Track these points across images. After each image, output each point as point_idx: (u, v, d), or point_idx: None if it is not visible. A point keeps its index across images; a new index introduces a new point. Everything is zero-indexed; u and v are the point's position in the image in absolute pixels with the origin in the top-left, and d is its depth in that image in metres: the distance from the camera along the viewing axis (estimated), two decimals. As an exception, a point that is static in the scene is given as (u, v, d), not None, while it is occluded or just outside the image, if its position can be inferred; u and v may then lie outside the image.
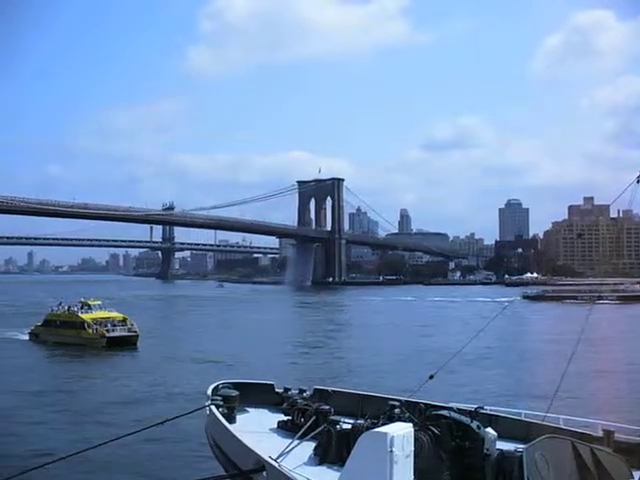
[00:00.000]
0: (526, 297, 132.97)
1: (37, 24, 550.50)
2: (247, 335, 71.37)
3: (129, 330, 61.31)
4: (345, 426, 12.73)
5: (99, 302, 67.47)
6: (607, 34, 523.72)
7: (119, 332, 60.65)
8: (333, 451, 12.25)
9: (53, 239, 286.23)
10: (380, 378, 40.46)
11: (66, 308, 66.25)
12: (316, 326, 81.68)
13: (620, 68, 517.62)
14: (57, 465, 16.78)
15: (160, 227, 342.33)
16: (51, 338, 62.38)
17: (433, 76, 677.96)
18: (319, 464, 12.15)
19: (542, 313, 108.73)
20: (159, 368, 47.68)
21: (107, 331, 59.95)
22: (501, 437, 11.92)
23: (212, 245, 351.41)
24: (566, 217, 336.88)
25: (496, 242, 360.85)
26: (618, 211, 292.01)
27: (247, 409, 15.81)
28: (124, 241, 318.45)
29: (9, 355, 54.41)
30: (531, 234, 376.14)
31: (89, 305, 65.60)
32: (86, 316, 62.64)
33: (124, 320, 62.75)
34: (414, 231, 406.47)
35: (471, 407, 13.16)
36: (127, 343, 59.35)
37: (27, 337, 66.21)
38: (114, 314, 64.39)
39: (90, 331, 60.69)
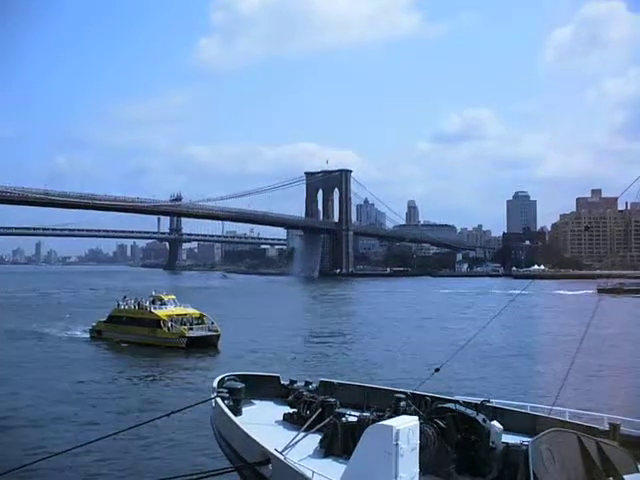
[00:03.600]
0: (601, 290, 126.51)
1: (46, 14, 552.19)
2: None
3: (209, 329, 54.26)
4: (351, 419, 12.76)
5: (173, 296, 60.22)
6: (618, 25, 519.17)
7: (200, 331, 53.71)
8: (339, 444, 12.28)
9: (61, 230, 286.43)
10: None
11: (131, 302, 59.80)
12: (344, 323, 77.53)
13: (631, 59, 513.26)
14: (57, 459, 16.98)
15: (168, 218, 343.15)
16: (117, 336, 55.66)
17: (443, 69, 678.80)
18: (325, 456, 12.18)
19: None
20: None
21: (186, 330, 53.11)
22: (507, 430, 11.93)
23: (219, 236, 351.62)
24: (574, 209, 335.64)
25: (504, 234, 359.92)
26: (626, 203, 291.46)
27: (253, 401, 15.85)
28: (132, 232, 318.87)
29: (74, 357, 47.48)
30: (539, 226, 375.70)
31: (162, 300, 58.43)
32: (161, 312, 55.44)
33: (201, 317, 56.02)
34: (421, 223, 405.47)
35: (477, 400, 13.17)
36: (208, 344, 51.93)
37: (87, 335, 59.29)
38: (190, 310, 57.30)
39: (166, 330, 53.60)
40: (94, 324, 59.74)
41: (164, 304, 57.59)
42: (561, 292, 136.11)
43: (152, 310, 56.23)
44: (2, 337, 58.27)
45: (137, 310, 57.77)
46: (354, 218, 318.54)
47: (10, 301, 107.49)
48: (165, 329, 53.64)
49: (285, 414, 14.67)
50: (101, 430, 22.59)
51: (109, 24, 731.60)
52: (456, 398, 13.15)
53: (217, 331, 53.40)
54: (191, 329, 53.55)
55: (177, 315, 55.30)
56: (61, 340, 57.46)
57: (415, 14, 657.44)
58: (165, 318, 54.24)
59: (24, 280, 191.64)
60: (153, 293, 60.26)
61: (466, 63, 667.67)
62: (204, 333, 53.42)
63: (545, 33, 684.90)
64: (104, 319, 59.27)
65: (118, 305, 60.06)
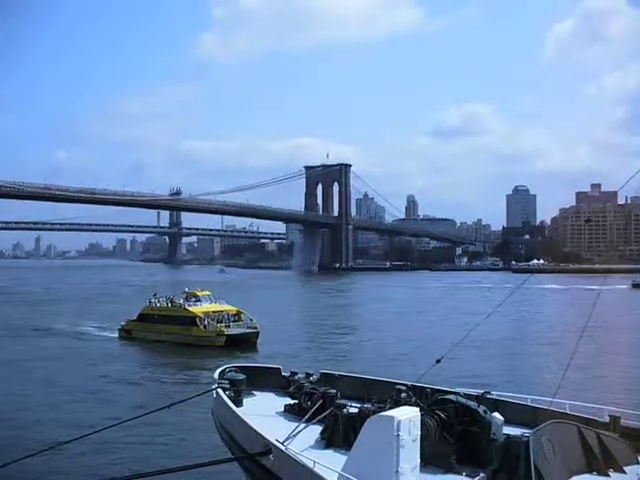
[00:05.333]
0: (636, 285, 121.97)
1: (47, 9, 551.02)
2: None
3: (248, 326, 51.56)
4: (352, 410, 12.76)
5: (208, 292, 57.12)
6: (619, 20, 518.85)
7: (239, 329, 51.17)
8: (340, 435, 12.30)
9: (60, 224, 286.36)
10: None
11: (163, 299, 56.92)
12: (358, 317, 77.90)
13: (631, 54, 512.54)
14: (57, 452, 17.04)
15: (167, 212, 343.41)
16: (149, 336, 52.95)
17: (443, 63, 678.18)
18: (326, 447, 12.21)
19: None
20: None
21: (224, 327, 50.65)
22: (507, 422, 11.93)
23: (219, 230, 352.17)
24: (574, 204, 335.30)
25: (503, 228, 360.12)
26: (626, 198, 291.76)
27: (254, 393, 15.87)
28: (131, 226, 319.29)
29: (104, 359, 44.67)
30: (538, 221, 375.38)
31: (197, 296, 55.51)
32: (196, 309, 52.69)
33: (238, 314, 53.25)
34: (421, 217, 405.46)
35: (478, 392, 13.18)
36: (246, 342, 49.31)
37: (115, 334, 56.43)
38: (227, 307, 54.43)
39: (202, 328, 50.90)
40: (123, 323, 56.86)
41: (199, 300, 54.82)
42: (593, 287, 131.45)
43: (186, 307, 53.54)
44: (30, 335, 56.66)
45: (170, 307, 55.02)
46: (354, 212, 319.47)
47: (23, 297, 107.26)
48: (201, 327, 50.95)
49: (286, 405, 14.69)
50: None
51: (109, 19, 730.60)
52: (457, 390, 13.17)
53: (256, 328, 50.95)
54: (228, 327, 50.98)
55: (213, 312, 52.52)
56: (87, 340, 54.74)
57: (416, 9, 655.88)
58: (201, 315, 51.56)
59: (31, 275, 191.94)
60: (186, 290, 57.31)
61: (466, 58, 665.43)
62: (243, 331, 50.95)
63: (546, 28, 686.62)
64: (133, 318, 56.38)
65: (149, 302, 56.94)
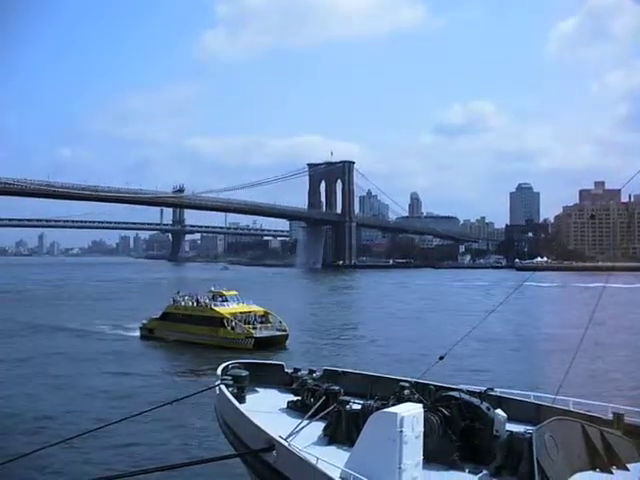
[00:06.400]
0: None
1: (50, 6, 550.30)
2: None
3: (277, 329, 49.73)
4: (355, 407, 12.74)
5: (235, 292, 55.13)
6: (622, 17, 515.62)
7: (268, 331, 49.15)
8: (343, 431, 12.30)
9: (64, 221, 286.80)
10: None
11: (188, 298, 55.08)
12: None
13: (635, 51, 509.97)
14: (58, 448, 17.05)
15: (171, 210, 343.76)
16: (172, 335, 51.63)
17: (446, 61, 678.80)
18: (329, 444, 12.21)
19: None
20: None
21: (252, 329, 48.75)
22: (510, 419, 11.92)
23: (222, 228, 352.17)
24: (577, 202, 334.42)
25: (506, 226, 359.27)
26: (629, 195, 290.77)
27: (257, 389, 15.90)
28: (135, 223, 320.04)
29: (128, 361, 42.60)
30: (542, 218, 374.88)
31: (223, 296, 53.51)
32: (224, 310, 50.77)
33: (265, 315, 51.39)
34: (424, 214, 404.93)
35: (481, 389, 13.17)
36: (276, 344, 47.68)
37: (137, 333, 55.02)
38: (254, 307, 52.46)
39: (230, 329, 49.14)
40: (145, 322, 55.28)
41: (226, 300, 52.86)
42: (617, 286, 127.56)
43: (213, 307, 51.69)
44: (45, 335, 55.01)
45: (196, 307, 53.17)
46: (357, 210, 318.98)
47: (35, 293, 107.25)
48: (229, 328, 49.17)
49: (289, 402, 14.69)
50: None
51: (112, 16, 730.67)
52: (460, 387, 13.16)
53: (285, 330, 49.36)
54: (254, 328, 49.02)
55: (241, 313, 50.67)
56: (108, 339, 53.27)
57: (419, 7, 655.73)
58: (229, 316, 49.78)
59: (37, 272, 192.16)
60: (212, 288, 55.55)
61: (469, 56, 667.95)
62: (272, 333, 49.10)
63: (549, 25, 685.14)
64: (156, 316, 54.84)
65: (173, 301, 55.15)
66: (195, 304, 53.61)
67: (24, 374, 37.42)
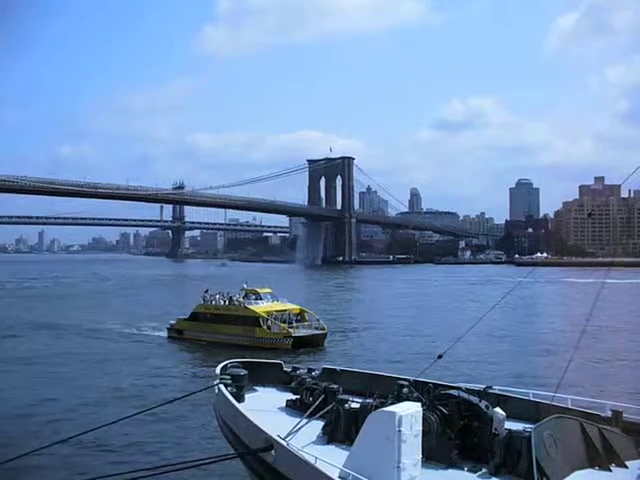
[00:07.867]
0: None
1: (52, 4, 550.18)
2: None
3: (316, 327, 47.79)
4: (354, 405, 12.73)
5: (269, 290, 52.65)
6: (623, 12, 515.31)
7: (305, 330, 47.29)
8: (341, 430, 12.28)
9: (64, 218, 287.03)
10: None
11: (218, 296, 52.66)
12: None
13: (635, 46, 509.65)
14: (58, 447, 17.04)
15: (170, 206, 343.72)
16: (203, 336, 49.17)
17: (447, 56, 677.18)
18: (327, 443, 12.19)
19: None
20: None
21: (291, 328, 46.65)
22: (509, 417, 11.90)
23: (222, 224, 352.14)
24: (577, 197, 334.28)
25: (506, 222, 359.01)
26: (629, 191, 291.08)
27: (255, 388, 15.89)
28: (134, 220, 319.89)
29: (158, 364, 39.90)
30: (542, 214, 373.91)
31: (257, 293, 51.21)
32: (258, 308, 48.49)
33: (301, 313, 49.31)
34: (424, 210, 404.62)
35: (480, 387, 13.17)
36: (313, 344, 46.00)
37: (164, 333, 52.74)
38: (289, 305, 50.19)
39: (266, 328, 47.00)
40: (172, 322, 52.86)
41: (260, 298, 50.40)
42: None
43: (247, 306, 49.32)
44: (70, 336, 52.66)
45: (228, 306, 50.64)
46: (357, 205, 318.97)
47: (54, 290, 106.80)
48: (265, 328, 46.99)
49: (288, 401, 14.68)
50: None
51: (113, 13, 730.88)
52: (459, 385, 13.16)
53: (324, 329, 47.51)
54: (291, 327, 46.94)
55: (276, 311, 48.41)
56: (132, 340, 51.01)
57: (421, 2, 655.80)
58: (264, 315, 47.48)
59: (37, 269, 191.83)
60: (245, 286, 53.00)
61: (470, 51, 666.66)
62: (311, 332, 47.24)
63: (550, 20, 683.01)
64: (185, 316, 52.48)
65: (203, 300, 52.66)
66: (228, 302, 51.28)
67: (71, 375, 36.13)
